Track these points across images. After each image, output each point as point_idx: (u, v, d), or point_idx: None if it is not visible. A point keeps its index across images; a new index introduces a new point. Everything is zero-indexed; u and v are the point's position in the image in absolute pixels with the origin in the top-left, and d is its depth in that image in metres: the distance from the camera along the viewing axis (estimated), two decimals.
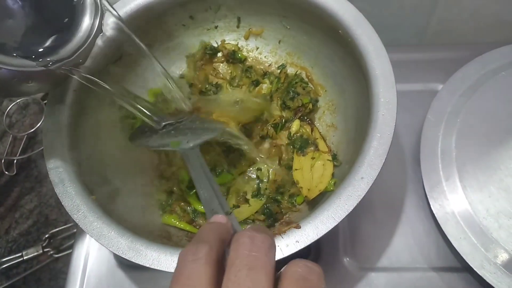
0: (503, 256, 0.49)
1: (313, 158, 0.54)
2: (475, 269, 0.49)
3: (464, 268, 0.52)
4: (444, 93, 0.59)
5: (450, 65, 0.62)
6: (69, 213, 0.42)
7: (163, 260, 0.40)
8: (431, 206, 0.53)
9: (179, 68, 0.62)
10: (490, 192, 0.52)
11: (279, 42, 0.60)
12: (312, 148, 0.55)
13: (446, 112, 0.58)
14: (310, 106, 0.57)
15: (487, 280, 0.48)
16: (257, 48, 0.62)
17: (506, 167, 0.54)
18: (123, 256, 0.40)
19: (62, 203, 0.43)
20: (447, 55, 0.67)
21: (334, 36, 0.52)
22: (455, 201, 0.53)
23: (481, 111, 0.57)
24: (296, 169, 0.54)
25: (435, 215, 0.52)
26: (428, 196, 0.54)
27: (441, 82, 0.61)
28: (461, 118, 0.57)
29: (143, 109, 0.47)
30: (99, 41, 0.44)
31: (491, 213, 0.51)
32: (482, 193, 0.52)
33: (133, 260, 0.40)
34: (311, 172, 0.53)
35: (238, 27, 0.60)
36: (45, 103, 0.78)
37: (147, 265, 0.40)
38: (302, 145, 0.55)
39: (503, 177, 0.53)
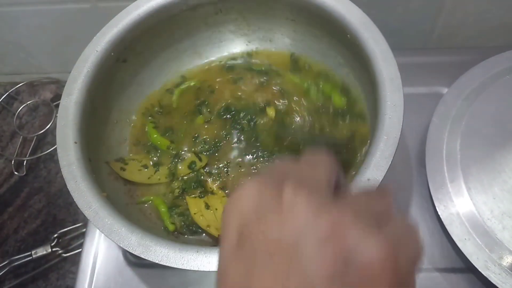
0: (507, 257, 0.49)
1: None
2: (479, 269, 0.49)
3: (468, 269, 0.52)
4: (449, 96, 0.60)
5: (455, 68, 0.62)
6: (81, 209, 0.43)
7: (172, 256, 0.40)
8: (436, 207, 0.53)
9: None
10: (494, 194, 0.53)
11: (287, 45, 0.61)
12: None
13: (451, 115, 0.59)
14: None
15: (492, 281, 0.48)
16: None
17: (510, 169, 0.54)
18: (133, 252, 0.41)
19: (74, 200, 0.44)
20: (452, 59, 0.67)
21: (341, 40, 0.53)
22: (459, 202, 0.53)
23: (485, 114, 0.58)
24: (194, 213, 0.52)
25: (440, 216, 0.53)
26: (433, 198, 0.54)
27: (446, 86, 0.62)
28: (466, 121, 0.58)
29: None
30: None
31: (495, 214, 0.51)
32: (486, 194, 0.53)
33: (142, 256, 0.41)
34: (210, 211, 0.52)
35: (248, 30, 0.61)
36: (55, 105, 0.79)
37: (156, 261, 0.40)
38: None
39: (507, 179, 0.53)
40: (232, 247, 0.22)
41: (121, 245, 0.41)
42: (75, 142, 0.47)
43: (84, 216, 0.43)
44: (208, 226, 0.50)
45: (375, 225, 0.20)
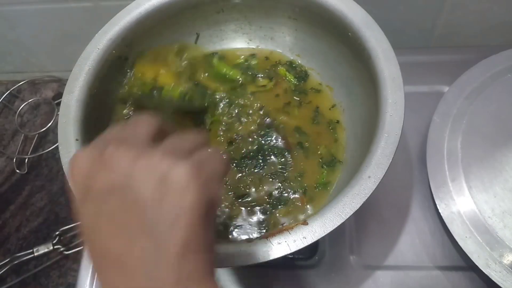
0: (508, 255, 0.49)
1: None
2: (480, 268, 0.49)
3: (469, 267, 0.52)
4: (450, 95, 0.60)
5: (456, 67, 0.63)
6: None
7: None
8: (437, 206, 0.53)
9: None
10: (495, 192, 0.53)
11: (289, 44, 0.61)
12: None
13: (452, 114, 0.59)
14: None
15: (493, 279, 0.48)
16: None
17: (511, 168, 0.54)
18: None
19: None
20: (453, 58, 0.67)
21: (343, 39, 0.53)
22: (460, 201, 0.53)
23: (486, 113, 0.58)
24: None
25: (441, 214, 0.53)
26: (434, 196, 0.54)
27: (447, 84, 0.62)
28: (467, 119, 0.58)
29: None
30: None
31: (496, 212, 0.52)
32: (487, 193, 0.53)
33: None
34: None
35: (249, 29, 0.62)
36: (56, 103, 0.79)
37: None
38: None
39: (508, 177, 0.54)
40: (81, 197, 0.29)
41: None
42: (77, 140, 0.47)
43: None
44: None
45: (184, 156, 0.28)
